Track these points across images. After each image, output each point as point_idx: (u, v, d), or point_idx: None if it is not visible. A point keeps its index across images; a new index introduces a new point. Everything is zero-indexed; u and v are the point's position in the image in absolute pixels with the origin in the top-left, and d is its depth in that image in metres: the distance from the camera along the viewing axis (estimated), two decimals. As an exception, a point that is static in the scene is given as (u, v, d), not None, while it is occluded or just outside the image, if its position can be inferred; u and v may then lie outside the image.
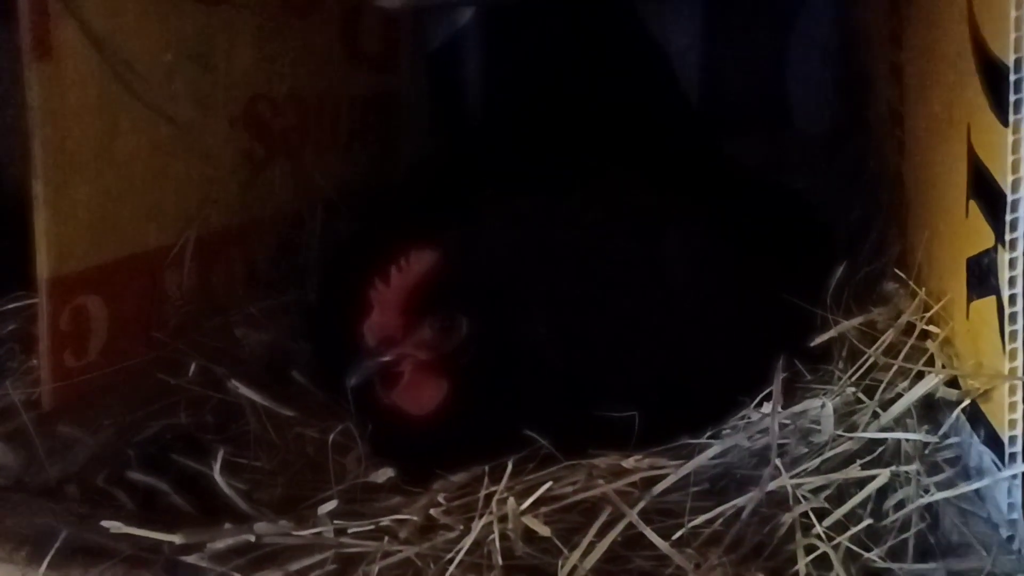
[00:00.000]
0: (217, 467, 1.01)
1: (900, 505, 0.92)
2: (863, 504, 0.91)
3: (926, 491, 0.91)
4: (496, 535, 0.89)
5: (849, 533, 0.84)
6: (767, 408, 1.07)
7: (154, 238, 1.45)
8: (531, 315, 1.12)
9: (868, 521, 0.86)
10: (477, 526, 0.89)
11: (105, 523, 0.95)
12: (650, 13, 1.92)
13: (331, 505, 0.98)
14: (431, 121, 2.25)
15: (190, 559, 0.93)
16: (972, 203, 0.96)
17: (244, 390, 1.34)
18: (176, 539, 0.91)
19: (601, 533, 0.89)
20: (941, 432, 0.97)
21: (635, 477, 0.98)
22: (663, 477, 0.95)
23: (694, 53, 2.09)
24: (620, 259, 1.21)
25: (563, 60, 1.83)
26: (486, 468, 0.96)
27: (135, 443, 1.29)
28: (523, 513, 0.89)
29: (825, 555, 0.86)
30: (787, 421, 1.01)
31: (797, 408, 1.03)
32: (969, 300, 0.99)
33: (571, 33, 1.83)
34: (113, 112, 1.30)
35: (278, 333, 1.57)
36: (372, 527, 0.95)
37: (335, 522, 0.96)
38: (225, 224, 1.63)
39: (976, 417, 0.96)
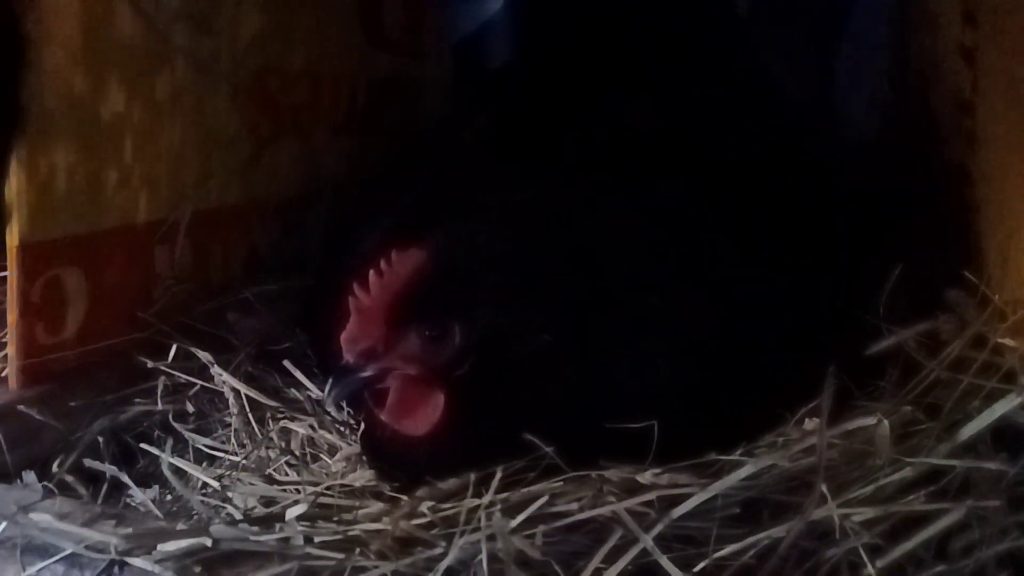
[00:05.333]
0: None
1: (968, 548, 0.77)
2: (925, 544, 0.76)
3: (1004, 532, 0.75)
4: (484, 555, 0.75)
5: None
6: (810, 424, 0.93)
7: (145, 210, 1.35)
8: (536, 317, 0.98)
9: (941, 567, 0.70)
10: (459, 543, 0.75)
11: (35, 516, 0.84)
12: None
13: (300, 509, 0.86)
14: (453, 109, 2.14)
15: (136, 561, 0.82)
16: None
17: (228, 378, 1.25)
18: (114, 540, 0.79)
19: (609, 559, 0.77)
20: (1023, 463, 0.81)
21: (652, 495, 0.85)
22: (685, 498, 0.82)
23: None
24: (641, 252, 1.06)
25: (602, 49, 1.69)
26: (471, 476, 0.81)
27: (105, 430, 1.19)
28: (514, 531, 0.75)
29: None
30: (835, 440, 0.86)
31: (848, 425, 0.88)
32: (1060, 307, 0.84)
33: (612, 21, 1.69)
34: (99, 68, 1.20)
35: (275, 320, 1.48)
36: (341, 537, 0.82)
37: (302, 528, 0.83)
38: (225, 201, 1.54)
39: (1063, 447, 0.81)
